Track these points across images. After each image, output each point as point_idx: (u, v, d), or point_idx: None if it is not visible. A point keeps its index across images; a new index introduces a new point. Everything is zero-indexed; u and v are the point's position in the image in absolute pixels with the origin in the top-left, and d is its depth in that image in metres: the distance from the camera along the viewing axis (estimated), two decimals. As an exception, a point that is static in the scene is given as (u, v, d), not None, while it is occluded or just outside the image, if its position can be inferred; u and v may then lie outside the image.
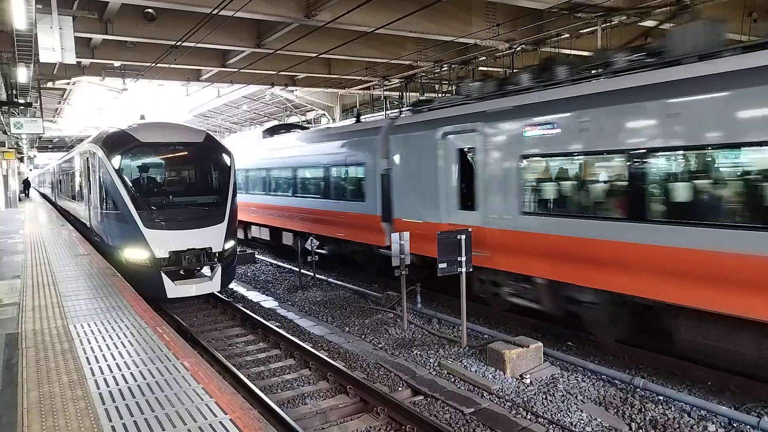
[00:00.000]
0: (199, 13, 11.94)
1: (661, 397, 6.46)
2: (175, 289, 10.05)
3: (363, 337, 9.08)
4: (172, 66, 18.06)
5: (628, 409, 6.24)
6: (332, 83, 22.00)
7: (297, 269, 13.49)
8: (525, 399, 6.56)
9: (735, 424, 5.76)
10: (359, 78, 20.55)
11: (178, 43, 13.67)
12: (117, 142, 10.93)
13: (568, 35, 14.98)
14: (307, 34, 13.72)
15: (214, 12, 10.44)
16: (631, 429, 5.83)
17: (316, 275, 13.52)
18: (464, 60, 17.90)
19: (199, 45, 15.09)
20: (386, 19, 12.72)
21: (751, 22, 14.12)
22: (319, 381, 7.26)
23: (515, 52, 16.24)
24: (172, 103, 33.32)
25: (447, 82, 20.36)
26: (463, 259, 8.24)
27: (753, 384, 6.43)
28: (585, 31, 14.39)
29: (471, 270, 8.38)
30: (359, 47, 16.20)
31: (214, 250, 10.49)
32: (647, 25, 14.06)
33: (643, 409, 6.20)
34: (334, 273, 14.31)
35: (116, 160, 10.51)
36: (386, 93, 22.45)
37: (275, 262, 16.25)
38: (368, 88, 22.80)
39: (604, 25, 13.54)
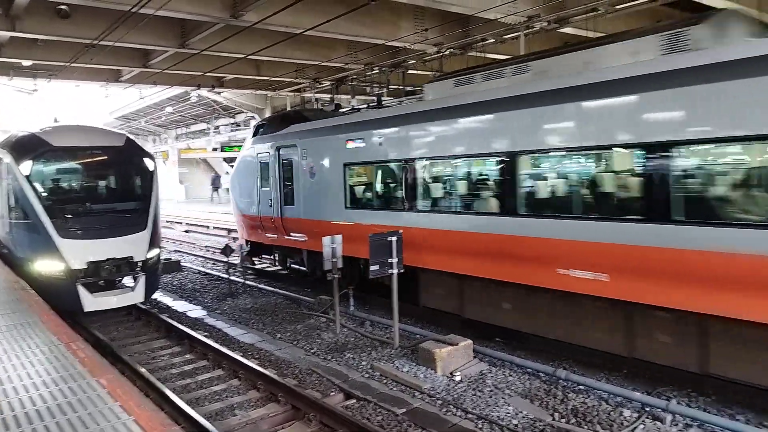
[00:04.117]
0: (118, 10, 11.37)
1: (582, 387, 6.79)
2: (93, 302, 9.52)
3: (295, 343, 8.95)
4: (89, 66, 17.12)
5: (551, 399, 6.50)
6: (261, 85, 21.61)
7: (226, 276, 13.12)
8: (455, 396, 6.70)
9: (648, 408, 6.14)
10: (289, 80, 20.30)
11: (95, 42, 12.96)
12: (27, 147, 10.25)
13: (493, 40, 15.45)
14: (234, 34, 13.37)
15: (134, 10, 9.98)
16: (554, 419, 6.08)
17: (246, 282, 13.19)
18: (395, 63, 18.08)
19: (118, 44, 14.36)
20: (315, 21, 12.62)
21: None
22: (249, 390, 7.08)
23: (443, 55, 16.58)
24: (90, 104, 31.58)
25: (378, 84, 20.49)
26: (395, 260, 8.32)
27: (663, 370, 6.87)
28: (508, 36, 14.89)
29: (402, 270, 8.50)
30: (289, 49, 15.99)
31: (136, 259, 10.03)
32: (567, 32, 14.77)
33: (565, 399, 6.49)
34: (265, 279, 14.05)
35: (26, 166, 9.84)
36: (317, 95, 22.31)
37: (203, 269, 15.73)
38: (299, 91, 22.56)
39: (527, 31, 14.10)
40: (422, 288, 9.52)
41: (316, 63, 17.62)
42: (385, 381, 7.26)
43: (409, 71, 18.58)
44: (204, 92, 23.46)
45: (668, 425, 5.76)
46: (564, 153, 7.36)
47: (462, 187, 8.84)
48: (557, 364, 7.45)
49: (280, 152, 12.48)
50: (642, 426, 5.79)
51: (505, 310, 8.19)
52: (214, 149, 34.54)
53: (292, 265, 13.56)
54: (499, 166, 7.83)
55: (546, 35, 15.04)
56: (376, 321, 9.81)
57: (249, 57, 15.86)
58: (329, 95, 22.45)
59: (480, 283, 8.38)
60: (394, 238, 8.34)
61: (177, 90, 24.46)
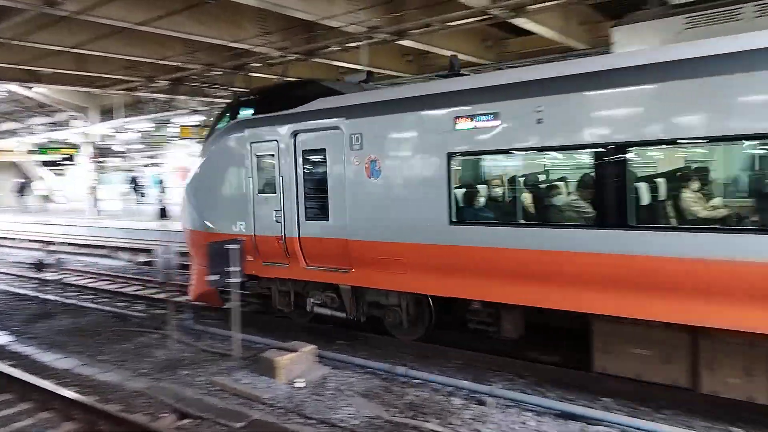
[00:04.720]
0: None
1: (418, 381, 7.12)
2: None
3: (122, 363, 8.15)
4: None
5: (390, 396, 6.71)
6: (86, 81, 19.56)
7: (39, 295, 11.55)
8: (297, 403, 6.60)
9: (474, 395, 6.63)
10: (119, 77, 18.66)
11: None
12: None
13: (338, 48, 15.70)
14: (51, 24, 11.93)
15: None
16: (392, 414, 6.28)
17: (65, 299, 11.73)
18: (237, 65, 17.52)
19: None
20: (147, 16, 11.75)
21: None
22: (63, 422, 6.27)
23: (289, 60, 16.47)
24: None
25: (221, 86, 19.71)
26: (235, 269, 8.02)
27: (492, 357, 7.49)
28: (351, 45, 15.25)
29: (244, 280, 8.21)
30: (117, 44, 14.70)
31: None
32: (405, 44, 15.53)
33: (403, 394, 6.74)
34: (88, 295, 12.66)
35: None
36: (153, 95, 20.81)
37: (9, 288, 13.67)
38: (131, 89, 20.80)
39: (368, 41, 14.56)
40: (600, 344, 6.42)
41: (150, 61, 16.41)
42: (224, 395, 6.92)
43: (253, 74, 18.16)
44: (14, 87, 20.55)
45: (491, 408, 6.27)
46: None
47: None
48: (395, 360, 7.72)
49: (300, 140, 8.54)
50: (469, 411, 6.24)
51: None
52: (30, 151, 30.38)
53: (316, 309, 9.01)
54: None
55: (387, 46, 15.71)
56: (215, 333, 9.33)
57: (70, 50, 14.26)
58: (169, 95, 21.11)
59: (741, 340, 5.52)
60: (235, 246, 8.04)
61: (-21, 83, 21.10)
